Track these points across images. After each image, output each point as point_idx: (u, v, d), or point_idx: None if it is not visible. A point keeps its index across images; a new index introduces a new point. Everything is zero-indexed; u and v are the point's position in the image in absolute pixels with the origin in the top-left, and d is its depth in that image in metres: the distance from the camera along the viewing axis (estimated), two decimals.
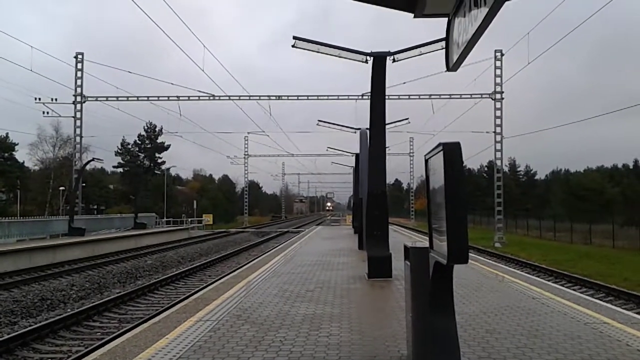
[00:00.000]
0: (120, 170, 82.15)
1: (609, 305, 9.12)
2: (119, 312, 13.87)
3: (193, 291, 15.09)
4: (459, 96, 39.40)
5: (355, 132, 23.43)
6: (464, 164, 3.84)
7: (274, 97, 40.10)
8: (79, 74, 38.02)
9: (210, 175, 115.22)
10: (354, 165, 29.27)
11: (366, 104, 14.31)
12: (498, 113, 38.35)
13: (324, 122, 25.12)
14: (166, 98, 39.24)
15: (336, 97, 40.61)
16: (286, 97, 40.56)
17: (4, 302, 14.14)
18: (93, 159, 39.74)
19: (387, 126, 12.53)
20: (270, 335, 6.44)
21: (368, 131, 13.75)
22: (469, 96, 38.99)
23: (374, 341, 6.16)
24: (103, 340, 10.14)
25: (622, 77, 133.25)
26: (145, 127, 78.23)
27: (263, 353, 5.69)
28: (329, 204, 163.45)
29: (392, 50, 11.77)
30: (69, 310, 14.01)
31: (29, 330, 10.83)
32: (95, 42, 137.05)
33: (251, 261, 17.97)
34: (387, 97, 12.24)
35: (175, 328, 6.88)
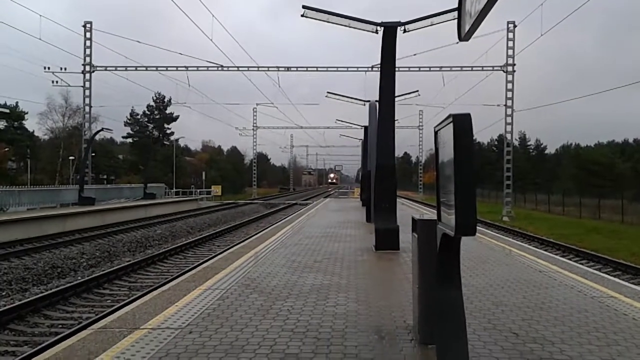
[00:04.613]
0: (129, 140, 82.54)
1: (616, 279, 9.12)
2: (129, 280, 14.05)
3: (202, 261, 15.25)
4: (470, 69, 38.91)
5: (364, 105, 23.22)
6: (474, 137, 3.80)
7: (283, 68, 39.81)
8: (87, 43, 37.86)
9: (219, 146, 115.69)
10: (362, 137, 29.16)
11: (376, 76, 14.20)
12: (509, 86, 37.84)
13: (333, 93, 24.94)
14: (175, 68, 39.12)
15: (345, 69, 40.28)
16: (295, 69, 40.21)
17: (15, 270, 14.35)
18: (102, 129, 39.75)
19: (396, 98, 12.42)
20: (278, 304, 6.50)
21: (377, 103, 13.67)
22: (481, 69, 38.47)
23: (380, 311, 6.21)
24: (113, 307, 10.30)
25: (634, 51, 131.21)
26: (154, 98, 78.22)
27: (271, 321, 5.75)
28: (331, 175, 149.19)
29: (402, 20, 11.60)
30: (79, 277, 14.22)
31: (40, 297, 11.01)
32: (98, 8, 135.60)
33: (259, 232, 18.07)
34: (397, 68, 12.09)
35: (184, 296, 6.96)
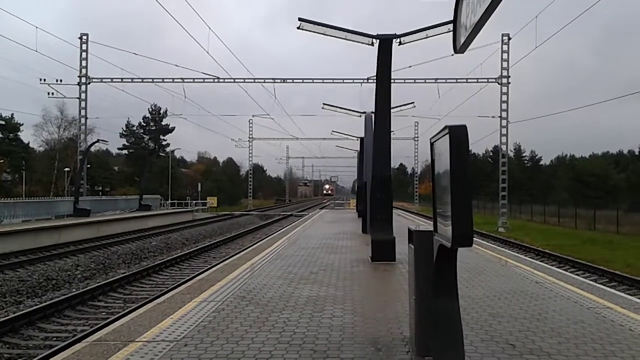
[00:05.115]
0: (125, 152, 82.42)
1: (612, 290, 9.12)
2: (123, 293, 13.97)
3: (197, 272, 15.18)
4: (465, 80, 39.13)
5: (360, 116, 23.28)
6: (469, 148, 3.81)
7: (279, 80, 39.92)
8: (83, 55, 37.90)
9: (215, 158, 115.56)
10: (358, 149, 29.18)
11: (372, 87, 14.23)
12: (504, 98, 38.07)
13: (329, 105, 24.98)
14: (171, 80, 39.17)
15: (341, 81, 40.40)
16: (291, 80, 40.33)
17: (9, 282, 14.26)
18: (98, 141, 39.66)
19: (392, 110, 12.46)
20: (274, 316, 6.48)
21: (373, 115, 13.70)
22: (475, 80, 38.69)
23: (377, 323, 6.19)
24: (108, 320, 10.22)
25: (629, 62, 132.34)
26: (150, 109, 78.42)
27: (267, 333, 5.72)
28: (327, 186, 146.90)
29: (398, 33, 11.66)
30: (74, 290, 14.13)
31: (34, 310, 10.93)
32: (94, 20, 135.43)
33: (255, 243, 18.02)
34: (392, 80, 12.14)
35: (179, 308, 6.92)
